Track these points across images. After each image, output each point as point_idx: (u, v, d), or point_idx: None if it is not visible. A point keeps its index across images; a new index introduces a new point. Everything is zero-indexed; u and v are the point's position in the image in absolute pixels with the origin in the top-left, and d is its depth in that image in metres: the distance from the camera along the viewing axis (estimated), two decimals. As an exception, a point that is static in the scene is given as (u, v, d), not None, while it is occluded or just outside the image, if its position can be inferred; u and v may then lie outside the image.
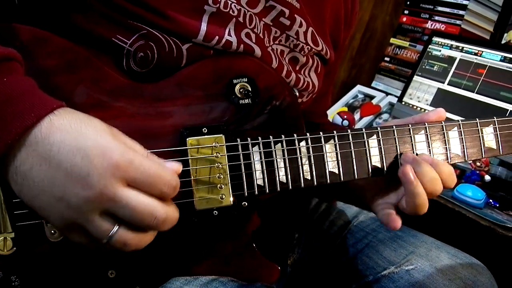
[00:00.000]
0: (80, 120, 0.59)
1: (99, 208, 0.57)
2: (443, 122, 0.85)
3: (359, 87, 2.39)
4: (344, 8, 1.03)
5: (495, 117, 0.88)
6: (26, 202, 0.59)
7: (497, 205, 1.49)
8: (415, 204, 0.78)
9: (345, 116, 2.08)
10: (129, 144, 0.61)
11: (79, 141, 0.57)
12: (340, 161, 0.80)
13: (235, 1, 0.80)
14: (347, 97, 2.36)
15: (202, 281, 0.75)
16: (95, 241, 0.60)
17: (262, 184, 0.76)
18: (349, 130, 0.80)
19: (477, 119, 0.87)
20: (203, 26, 0.77)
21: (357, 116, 2.20)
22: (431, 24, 2.24)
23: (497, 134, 0.87)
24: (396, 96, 2.17)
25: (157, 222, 0.60)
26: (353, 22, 1.11)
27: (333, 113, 2.12)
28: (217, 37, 0.78)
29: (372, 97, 2.30)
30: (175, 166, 0.64)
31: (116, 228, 0.59)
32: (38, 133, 0.57)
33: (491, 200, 1.49)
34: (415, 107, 1.96)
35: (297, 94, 0.93)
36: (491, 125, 0.87)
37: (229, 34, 0.80)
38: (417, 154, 0.82)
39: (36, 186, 0.57)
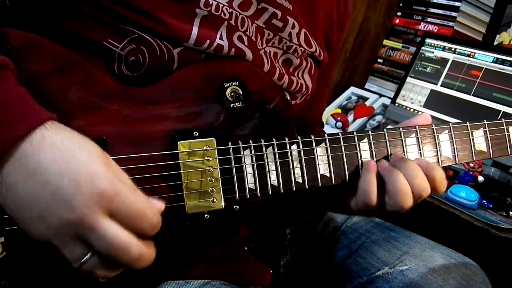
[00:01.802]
0: (74, 139, 0.58)
1: (76, 233, 0.56)
2: (433, 125, 0.85)
3: (352, 89, 2.40)
4: (336, 10, 1.04)
5: (485, 121, 0.88)
6: (8, 213, 0.58)
7: (491, 206, 1.49)
8: (397, 196, 0.77)
9: (339, 118, 2.08)
10: (119, 175, 0.59)
11: (69, 163, 0.56)
12: (331, 164, 0.80)
13: (226, 4, 0.80)
14: (341, 99, 2.36)
15: (194, 285, 0.74)
16: (67, 262, 0.59)
17: (254, 188, 0.76)
18: (340, 134, 0.81)
19: (467, 122, 0.87)
20: (195, 30, 0.77)
21: (350, 117, 2.20)
22: (424, 26, 2.24)
23: (487, 137, 0.88)
24: (389, 98, 2.17)
25: (130, 259, 0.58)
26: (346, 24, 1.11)
27: (326, 115, 2.12)
28: (208, 41, 0.78)
29: (365, 99, 2.30)
30: (159, 205, 0.62)
31: (89, 255, 0.57)
32: (29, 146, 0.55)
33: (484, 201, 1.49)
34: (408, 108, 1.97)
35: (289, 97, 0.93)
36: (481, 128, 0.88)
37: (221, 38, 0.80)
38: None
39: (19, 200, 0.56)
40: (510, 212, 1.49)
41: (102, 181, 0.56)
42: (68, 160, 0.56)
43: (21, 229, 0.59)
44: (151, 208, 0.60)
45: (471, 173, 1.58)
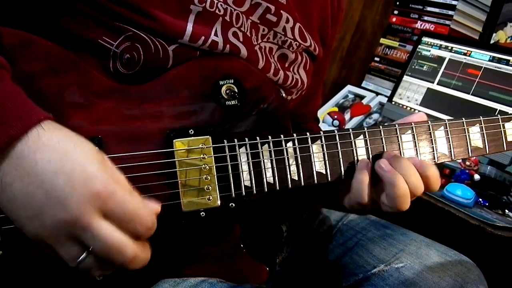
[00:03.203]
0: (70, 139, 0.58)
1: (71, 233, 0.56)
2: (429, 122, 0.85)
3: (349, 87, 2.40)
4: (330, 4, 1.04)
5: (481, 117, 0.88)
6: (4, 212, 0.58)
7: (487, 204, 1.49)
8: (395, 197, 0.77)
9: (336, 116, 2.08)
10: (115, 175, 0.59)
11: (64, 162, 0.56)
12: (327, 162, 0.80)
13: (221, 0, 0.80)
14: (337, 97, 2.36)
15: (190, 283, 0.74)
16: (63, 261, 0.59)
17: (249, 185, 0.76)
18: (335, 131, 0.81)
19: (463, 118, 0.87)
20: (189, 26, 0.77)
21: (347, 116, 2.21)
22: (421, 24, 2.25)
23: (483, 133, 0.88)
24: (386, 96, 2.18)
25: (124, 260, 0.58)
26: (340, 19, 1.11)
27: (323, 113, 2.13)
28: (203, 37, 0.78)
29: (362, 97, 2.30)
30: (154, 207, 0.62)
31: (84, 255, 0.57)
32: (25, 146, 0.55)
33: (480, 199, 1.50)
34: (405, 107, 1.97)
35: (284, 92, 0.93)
36: (477, 125, 0.88)
37: (216, 34, 0.79)
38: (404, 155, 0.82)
39: (15, 199, 0.56)
40: (506, 211, 1.50)
41: (98, 182, 0.56)
42: (64, 160, 0.56)
43: (18, 229, 0.59)
44: (146, 210, 0.60)
45: (467, 171, 1.58)
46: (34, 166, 0.55)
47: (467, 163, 1.58)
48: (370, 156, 0.82)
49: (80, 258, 0.57)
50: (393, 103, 2.03)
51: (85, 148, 0.58)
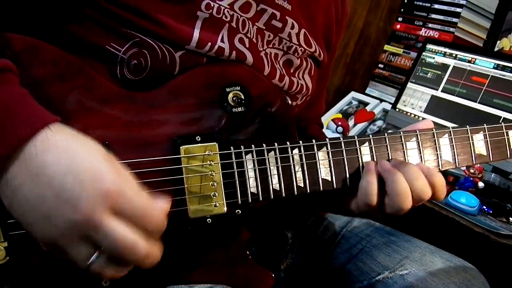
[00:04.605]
0: (77, 140, 0.58)
1: (82, 233, 0.56)
2: (434, 129, 0.85)
3: (353, 94, 2.40)
4: (335, 9, 1.04)
5: (485, 124, 0.88)
6: (14, 216, 0.58)
7: (491, 212, 1.49)
8: (396, 196, 0.77)
9: (339, 123, 2.08)
10: (123, 174, 0.59)
11: (73, 162, 0.56)
12: (333, 169, 0.80)
13: (228, 7, 0.80)
14: (341, 104, 2.36)
15: (196, 290, 0.75)
16: (74, 263, 0.59)
17: (256, 192, 0.76)
18: (341, 138, 0.81)
19: (467, 126, 0.87)
20: (196, 33, 0.77)
21: (351, 122, 2.20)
22: (425, 31, 2.25)
23: (487, 140, 0.88)
24: (390, 103, 2.17)
25: (137, 258, 0.58)
26: (344, 24, 1.12)
27: (327, 120, 2.13)
28: (209, 43, 0.78)
29: (366, 104, 2.30)
30: (164, 206, 0.62)
31: (96, 255, 0.57)
32: (33, 148, 0.56)
33: (484, 207, 1.49)
34: (409, 114, 1.97)
35: (289, 98, 0.93)
36: (481, 132, 0.88)
37: (222, 40, 0.80)
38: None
39: (25, 202, 0.56)
40: (510, 218, 1.49)
41: (107, 181, 0.56)
42: (72, 160, 0.56)
43: (24, 234, 0.59)
44: (156, 208, 0.60)
45: (471, 179, 1.58)
46: (43, 167, 0.55)
47: (471, 170, 1.58)
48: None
49: (92, 259, 0.57)
50: (397, 110, 2.03)
51: (93, 148, 0.59)
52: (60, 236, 0.56)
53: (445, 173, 0.83)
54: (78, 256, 0.57)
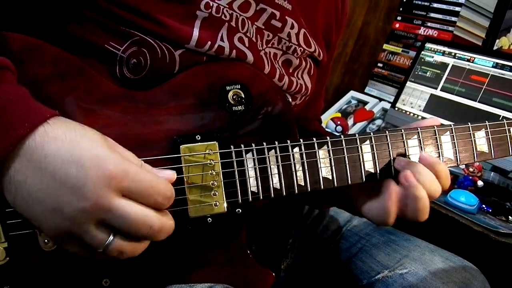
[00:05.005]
0: (75, 129, 0.59)
1: (94, 218, 0.57)
2: (435, 126, 0.85)
3: (352, 93, 2.40)
4: (335, 9, 1.04)
5: (487, 121, 0.88)
6: (19, 212, 0.59)
7: (490, 211, 1.49)
8: (417, 208, 0.78)
9: (339, 122, 2.08)
10: (124, 154, 0.61)
11: (74, 151, 0.57)
12: (333, 167, 0.80)
13: (227, 6, 0.80)
14: (341, 103, 2.36)
15: (197, 289, 0.75)
16: (90, 250, 0.60)
17: (256, 191, 0.76)
18: (342, 136, 0.81)
19: (469, 123, 0.87)
20: (195, 32, 0.77)
21: (350, 121, 2.21)
22: (424, 30, 2.25)
23: (489, 138, 0.88)
24: (389, 102, 2.18)
25: (153, 232, 0.60)
26: (343, 23, 1.12)
27: (326, 119, 2.13)
28: (209, 42, 0.78)
29: (365, 103, 2.31)
30: (170, 175, 0.64)
31: (111, 237, 0.58)
32: (32, 142, 0.56)
33: (484, 206, 1.49)
34: (408, 113, 1.97)
35: (290, 98, 0.93)
36: (483, 129, 0.88)
37: (222, 40, 0.80)
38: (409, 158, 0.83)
39: (30, 197, 0.57)
40: (510, 217, 1.50)
41: (108, 163, 0.57)
42: (72, 149, 0.57)
43: (25, 235, 0.59)
44: (161, 180, 0.62)
45: (470, 177, 1.58)
46: (44, 159, 0.56)
47: (471, 169, 1.58)
48: (377, 161, 0.82)
49: (108, 241, 0.58)
50: (396, 109, 2.03)
51: (90, 134, 0.60)
52: (72, 225, 0.57)
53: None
54: (94, 241, 0.58)
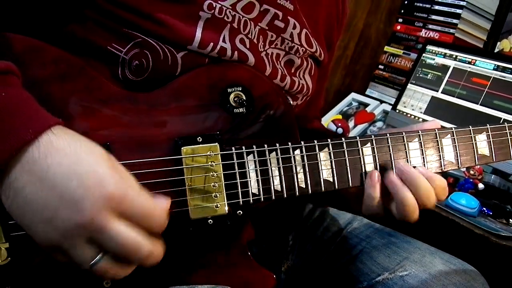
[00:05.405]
0: (80, 143, 0.58)
1: (86, 235, 0.56)
2: (436, 129, 0.85)
3: (353, 95, 2.40)
4: (336, 9, 1.04)
5: (488, 125, 0.88)
6: (13, 217, 0.58)
7: (491, 213, 1.49)
8: (404, 211, 0.80)
9: (339, 124, 2.08)
10: (125, 176, 0.60)
11: (77, 166, 0.56)
12: (334, 169, 0.80)
13: (230, 7, 0.80)
14: (341, 105, 2.36)
15: (198, 291, 0.75)
16: (77, 264, 0.59)
17: (257, 193, 0.76)
18: (343, 138, 0.81)
19: (470, 126, 0.87)
20: (198, 33, 0.77)
21: (351, 123, 2.21)
22: (425, 33, 2.25)
23: (490, 141, 0.88)
24: (390, 104, 2.18)
25: (141, 257, 0.59)
26: (344, 23, 1.12)
27: (327, 121, 2.13)
28: (211, 43, 0.78)
29: (366, 105, 2.31)
30: (164, 204, 0.63)
31: (99, 256, 0.58)
32: (36, 151, 0.56)
33: (484, 209, 1.49)
34: (409, 115, 1.97)
35: (291, 98, 0.93)
36: (484, 133, 0.88)
37: (224, 41, 0.80)
38: (411, 163, 0.83)
39: (26, 205, 0.56)
40: (510, 220, 1.49)
41: (109, 184, 0.56)
42: (75, 163, 0.56)
43: (26, 235, 0.59)
44: (157, 207, 0.61)
45: (471, 180, 1.58)
46: (46, 170, 0.55)
47: (471, 172, 1.58)
48: (378, 165, 0.82)
49: (95, 260, 0.58)
50: (397, 111, 2.03)
51: (95, 151, 0.59)
52: (63, 238, 0.57)
53: (444, 174, 0.83)
54: (81, 258, 0.58)
